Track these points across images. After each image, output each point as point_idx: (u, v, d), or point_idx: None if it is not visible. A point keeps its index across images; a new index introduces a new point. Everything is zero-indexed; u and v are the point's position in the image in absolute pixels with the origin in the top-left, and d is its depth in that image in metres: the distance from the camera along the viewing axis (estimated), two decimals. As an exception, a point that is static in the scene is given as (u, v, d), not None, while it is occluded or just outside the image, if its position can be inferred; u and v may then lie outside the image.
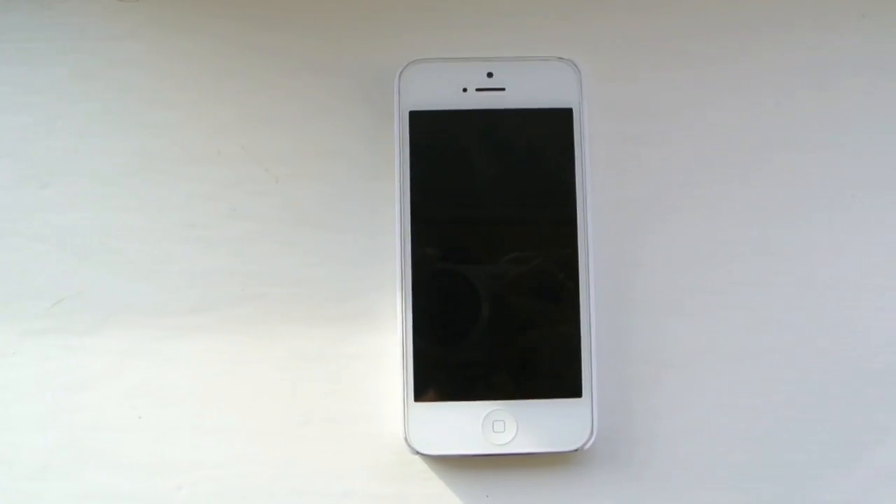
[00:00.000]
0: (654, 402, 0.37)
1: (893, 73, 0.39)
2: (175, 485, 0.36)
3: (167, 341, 0.37)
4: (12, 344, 0.37)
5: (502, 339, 0.35)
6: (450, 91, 0.36)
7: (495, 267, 0.36)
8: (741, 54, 0.39)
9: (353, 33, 0.39)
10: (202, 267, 0.37)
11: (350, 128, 0.38)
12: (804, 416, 0.37)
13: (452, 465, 0.36)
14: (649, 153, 0.38)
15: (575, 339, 0.35)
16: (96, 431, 0.36)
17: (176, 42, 0.39)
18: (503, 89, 0.36)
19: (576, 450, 0.35)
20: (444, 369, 0.35)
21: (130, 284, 0.37)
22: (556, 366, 0.35)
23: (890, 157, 0.39)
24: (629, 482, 0.37)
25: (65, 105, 0.38)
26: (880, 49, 0.39)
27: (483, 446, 0.35)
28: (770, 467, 0.37)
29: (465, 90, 0.36)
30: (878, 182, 0.38)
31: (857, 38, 0.39)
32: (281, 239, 0.38)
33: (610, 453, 0.37)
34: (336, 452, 0.36)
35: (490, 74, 0.37)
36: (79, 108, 0.38)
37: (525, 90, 0.36)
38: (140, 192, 0.38)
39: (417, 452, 0.35)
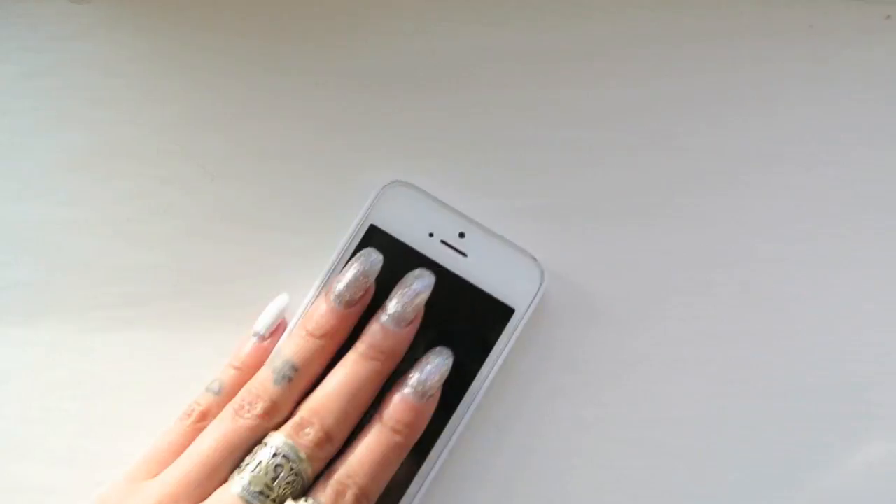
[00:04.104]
0: (585, 413, 0.36)
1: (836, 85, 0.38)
2: (98, 479, 0.36)
3: (96, 334, 0.37)
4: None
5: None
6: (417, 229, 0.35)
7: None
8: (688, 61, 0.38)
9: (294, 34, 0.38)
10: (134, 262, 0.38)
11: (287, 129, 0.38)
12: (742, 433, 0.36)
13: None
14: (583, 160, 0.38)
15: None
16: (21, 423, 0.36)
17: (124, 43, 0.39)
18: (465, 255, 0.35)
19: None
20: None
21: (63, 278, 0.37)
22: None
23: (833, 166, 0.37)
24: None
25: (11, 101, 0.39)
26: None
27: None
28: (706, 485, 0.36)
29: (431, 235, 0.35)
30: (820, 192, 0.37)
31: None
32: (213, 236, 0.38)
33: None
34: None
35: (462, 234, 0.35)
36: (25, 104, 0.39)
37: (485, 268, 0.35)
38: (76, 188, 0.38)
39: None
